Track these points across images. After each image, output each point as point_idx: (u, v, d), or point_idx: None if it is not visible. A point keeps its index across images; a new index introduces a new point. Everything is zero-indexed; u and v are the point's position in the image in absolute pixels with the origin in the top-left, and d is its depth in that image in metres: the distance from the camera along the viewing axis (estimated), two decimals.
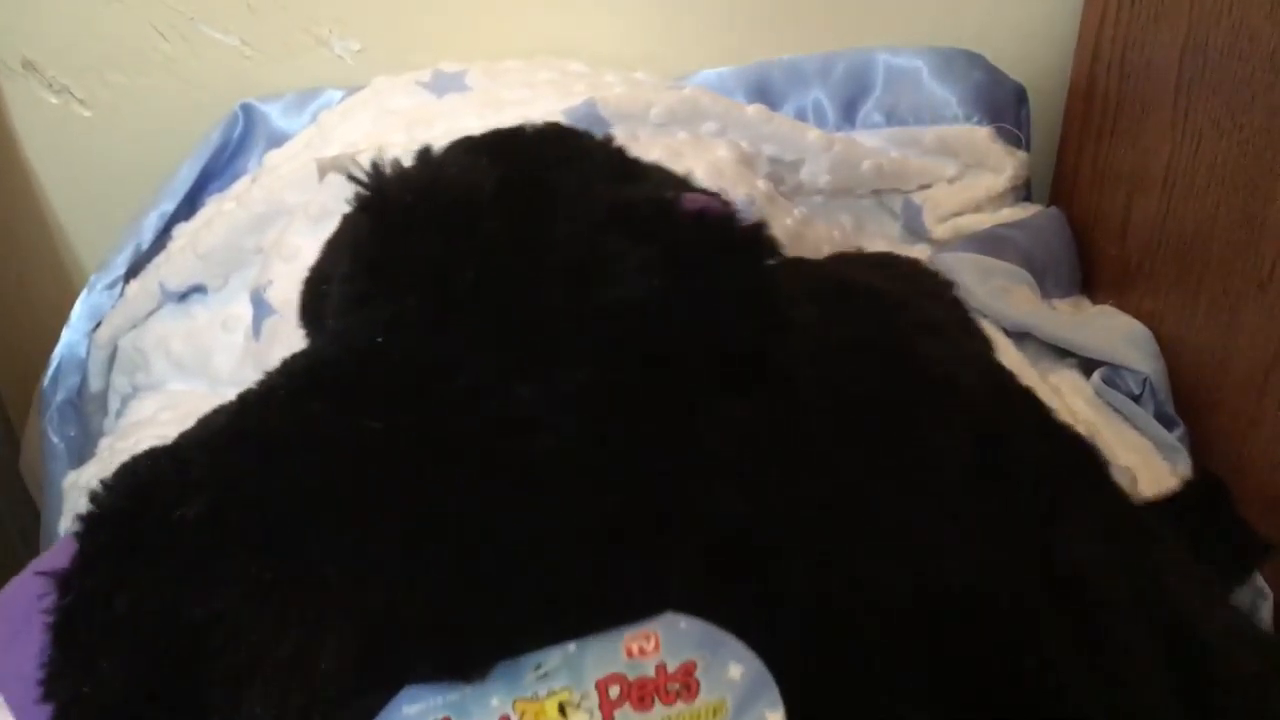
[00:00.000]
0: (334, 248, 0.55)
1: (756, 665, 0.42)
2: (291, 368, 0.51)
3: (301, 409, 0.47)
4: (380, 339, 0.48)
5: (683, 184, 0.58)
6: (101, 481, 0.47)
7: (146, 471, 0.47)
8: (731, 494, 0.45)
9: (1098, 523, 0.53)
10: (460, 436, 0.45)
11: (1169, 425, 0.84)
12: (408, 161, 0.54)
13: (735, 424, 0.47)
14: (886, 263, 0.72)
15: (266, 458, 0.45)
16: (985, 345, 0.69)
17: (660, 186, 0.56)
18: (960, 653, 0.45)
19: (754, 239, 0.53)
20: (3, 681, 0.46)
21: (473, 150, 0.56)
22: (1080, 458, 0.58)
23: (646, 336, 0.47)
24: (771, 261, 0.54)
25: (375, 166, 0.51)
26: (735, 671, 0.42)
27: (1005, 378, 0.62)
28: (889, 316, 0.60)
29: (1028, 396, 0.61)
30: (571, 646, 0.43)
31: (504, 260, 0.48)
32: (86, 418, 1.02)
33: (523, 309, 0.47)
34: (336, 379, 0.48)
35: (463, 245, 0.48)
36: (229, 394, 0.96)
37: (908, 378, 0.54)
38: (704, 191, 0.61)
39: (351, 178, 0.51)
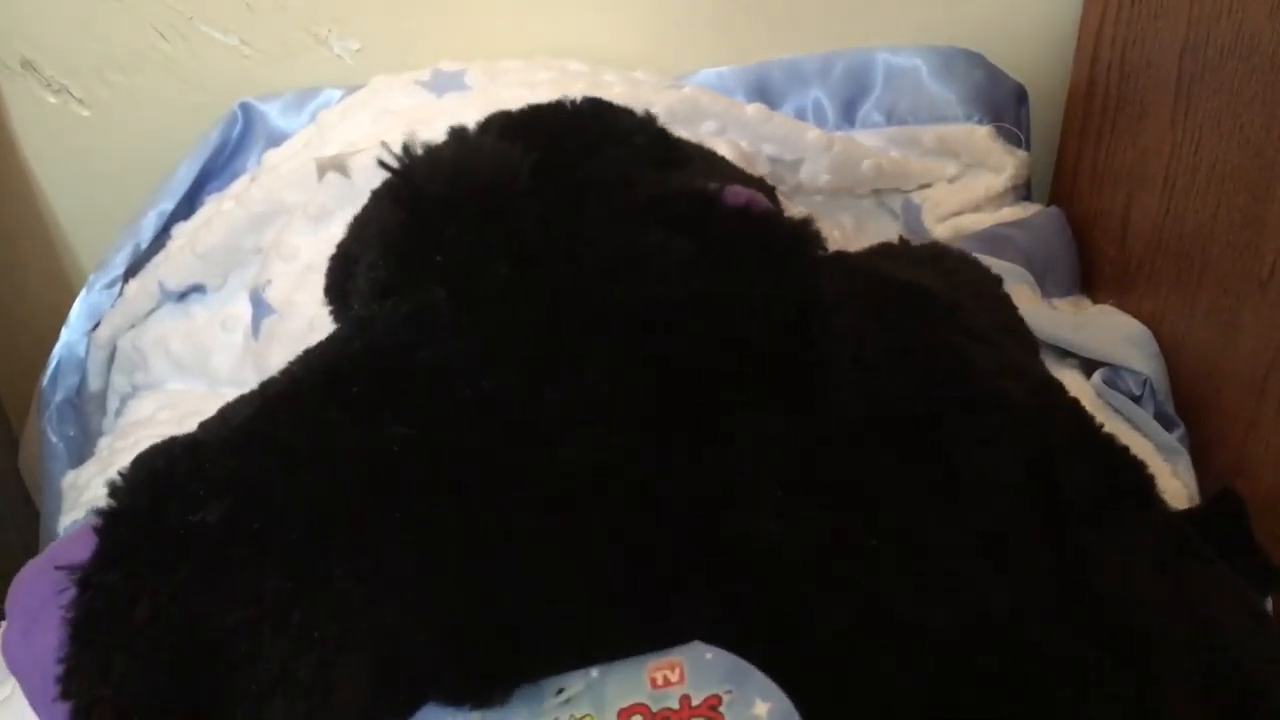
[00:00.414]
0: (361, 226, 0.53)
1: (784, 703, 0.40)
2: (313, 362, 0.49)
3: (322, 414, 0.45)
4: (405, 336, 0.46)
5: (730, 170, 0.55)
6: (120, 473, 0.46)
7: (165, 468, 0.46)
8: (764, 518, 0.43)
9: (1148, 552, 0.50)
10: (483, 446, 0.43)
11: (1169, 426, 0.84)
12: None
13: (770, 441, 0.45)
14: (936, 256, 0.68)
15: (286, 465, 0.44)
16: (1033, 351, 0.66)
17: (703, 175, 0.53)
18: (997, 699, 0.42)
19: (799, 236, 0.51)
20: (22, 672, 0.46)
21: (509, 130, 0.53)
22: (1130, 477, 0.55)
23: (681, 341, 0.46)
24: (817, 258, 0.51)
25: (407, 149, 0.49)
26: (762, 708, 0.40)
27: (1054, 390, 0.59)
28: (937, 321, 0.57)
29: (1076, 410, 0.58)
30: (594, 672, 0.41)
31: (536, 254, 0.46)
32: (85, 417, 1.02)
33: (553, 308, 0.45)
34: (358, 380, 0.46)
35: (494, 238, 0.46)
36: (228, 394, 0.96)
37: (955, 391, 0.51)
38: (752, 180, 0.58)
39: (382, 163, 0.49)
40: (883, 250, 0.67)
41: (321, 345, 0.50)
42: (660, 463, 0.43)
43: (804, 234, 0.51)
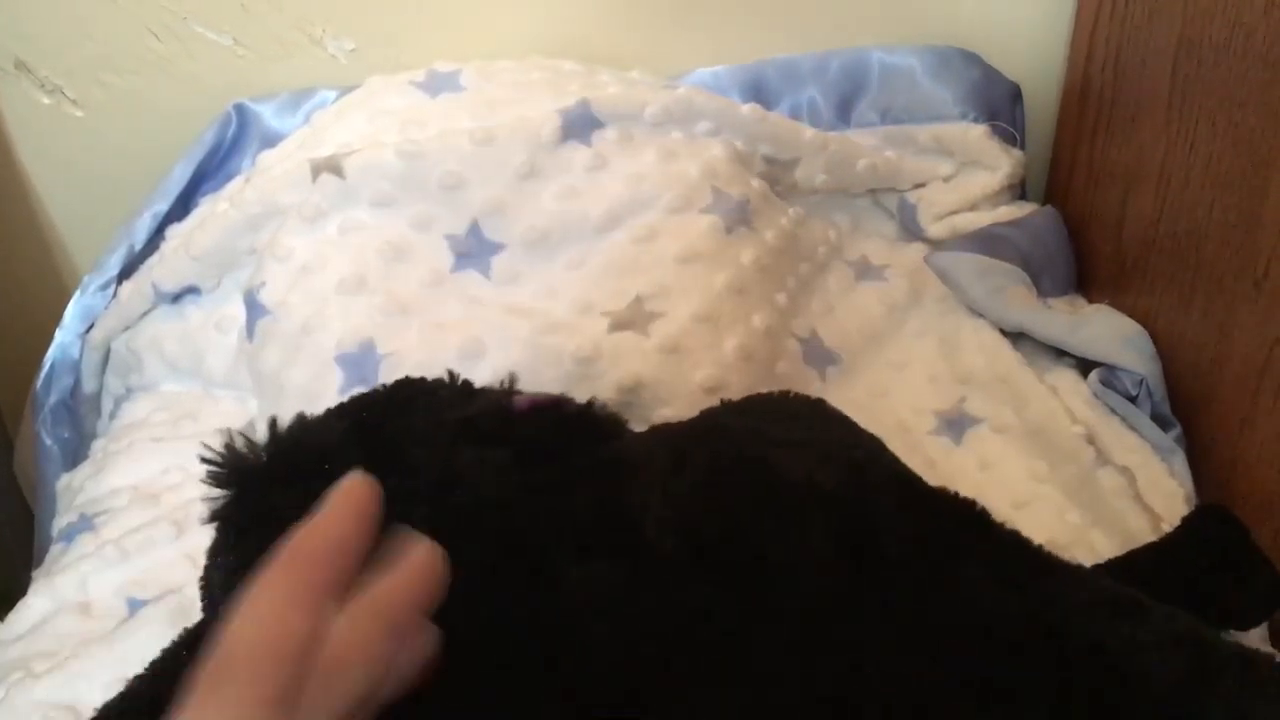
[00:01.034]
0: (213, 541, 0.57)
1: None
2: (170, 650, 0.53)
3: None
4: None
5: (511, 390, 0.62)
6: None
7: None
8: (601, 656, 0.47)
9: (988, 572, 0.54)
10: None
11: (1165, 426, 0.84)
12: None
13: (593, 585, 0.49)
14: (744, 408, 0.74)
15: None
16: (847, 430, 0.70)
17: (498, 396, 0.59)
18: None
19: (586, 418, 0.57)
20: None
21: (325, 414, 0.58)
22: (959, 516, 0.59)
23: (508, 527, 0.51)
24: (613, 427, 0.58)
25: (227, 445, 0.54)
26: None
27: (872, 462, 0.64)
28: (740, 442, 0.62)
29: (899, 476, 0.63)
30: None
31: None
32: (80, 419, 1.02)
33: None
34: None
35: (321, 493, 0.49)
36: (222, 395, 0.97)
37: (761, 496, 0.56)
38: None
39: (204, 460, 0.53)
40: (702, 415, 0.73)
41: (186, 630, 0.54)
42: (500, 627, 0.48)
43: (590, 415, 0.58)
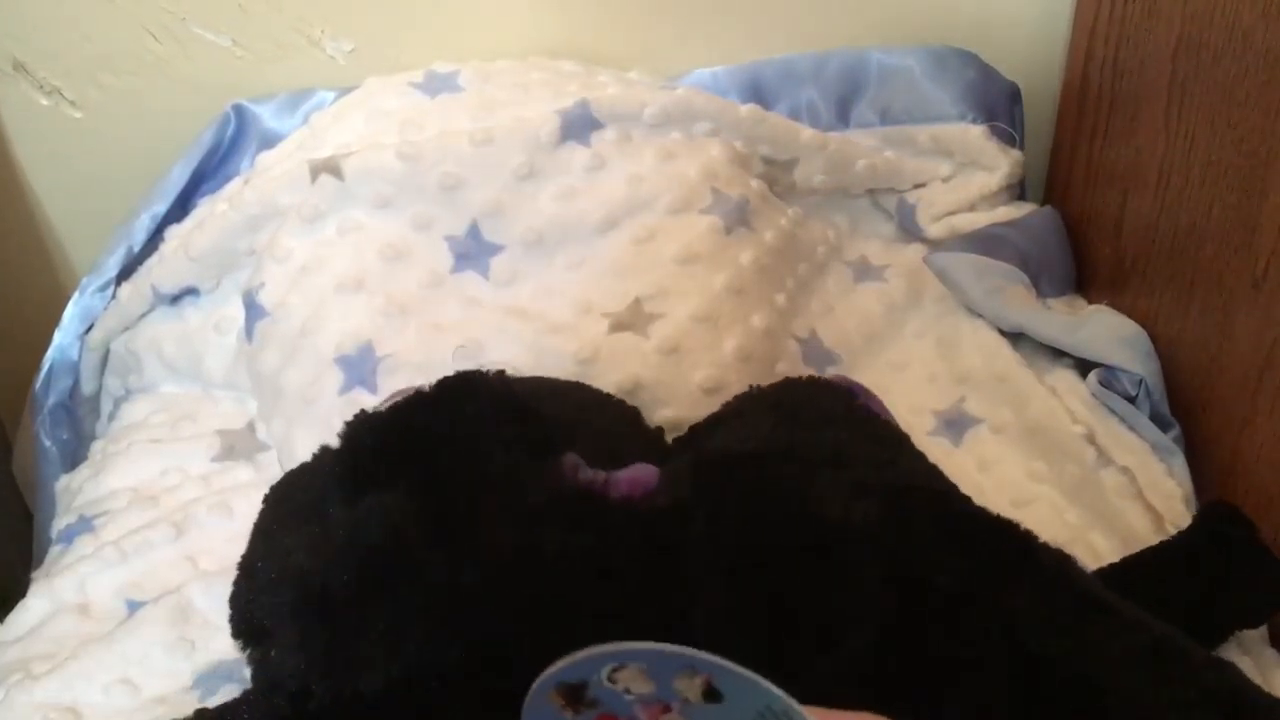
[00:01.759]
0: (251, 555, 0.57)
1: None
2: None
3: None
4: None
5: (592, 402, 0.61)
6: None
7: None
8: None
9: (1034, 609, 0.53)
10: None
11: (1164, 426, 0.84)
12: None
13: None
14: (777, 402, 0.73)
15: None
16: (894, 446, 0.70)
17: (577, 441, 0.58)
18: None
19: (672, 515, 0.56)
20: None
21: (384, 470, 0.56)
22: (1004, 541, 0.58)
23: (590, 603, 0.51)
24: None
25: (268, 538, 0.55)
26: None
27: (912, 490, 0.62)
28: (775, 481, 0.61)
29: (937, 501, 0.62)
30: None
31: (446, 600, 0.51)
32: (79, 421, 1.02)
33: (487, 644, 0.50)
34: None
35: (406, 601, 0.50)
36: (221, 396, 0.97)
37: (808, 543, 0.55)
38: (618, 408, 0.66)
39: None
40: (730, 410, 0.73)
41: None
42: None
43: (677, 510, 0.56)
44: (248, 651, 0.55)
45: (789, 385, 0.77)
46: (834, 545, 0.55)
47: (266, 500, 0.61)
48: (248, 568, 0.57)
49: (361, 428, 0.58)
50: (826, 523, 0.56)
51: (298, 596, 0.53)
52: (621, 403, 0.75)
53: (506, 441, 0.56)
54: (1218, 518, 0.70)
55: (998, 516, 0.59)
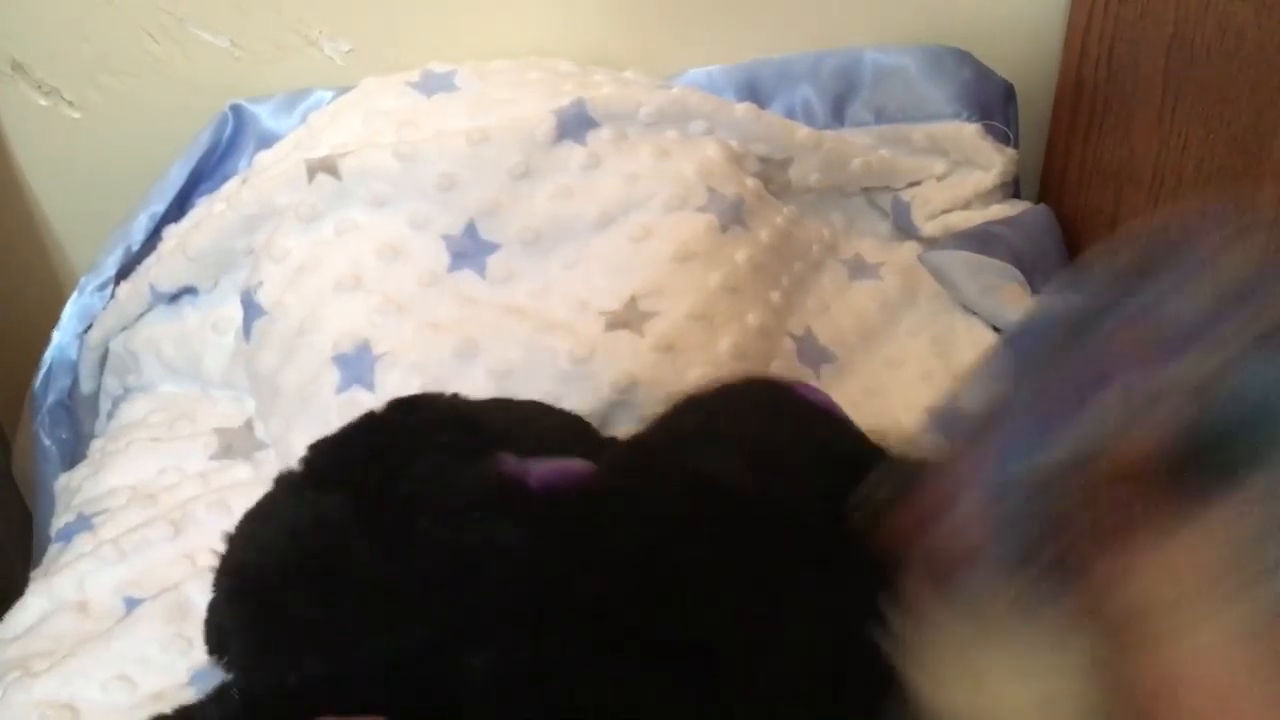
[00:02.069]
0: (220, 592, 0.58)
1: None
2: None
3: None
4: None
5: (535, 414, 0.63)
6: None
7: None
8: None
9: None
10: None
11: None
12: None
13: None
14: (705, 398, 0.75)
15: None
16: (829, 427, 0.71)
17: (513, 466, 0.59)
18: None
19: (599, 490, 0.57)
20: None
21: (325, 476, 0.57)
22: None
23: (526, 602, 0.51)
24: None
25: (228, 542, 0.56)
26: None
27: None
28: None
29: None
30: None
31: (379, 585, 0.51)
32: (78, 420, 1.02)
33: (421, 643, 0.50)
34: None
35: (336, 588, 0.51)
36: (219, 396, 0.97)
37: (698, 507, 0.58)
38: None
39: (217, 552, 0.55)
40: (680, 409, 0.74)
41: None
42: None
43: (604, 486, 0.58)
44: (215, 659, 0.56)
45: (722, 384, 0.78)
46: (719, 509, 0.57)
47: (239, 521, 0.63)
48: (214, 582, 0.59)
49: (317, 446, 0.60)
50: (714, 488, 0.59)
51: (234, 585, 0.54)
52: (576, 417, 0.76)
53: (441, 446, 0.58)
54: None
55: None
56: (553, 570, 0.52)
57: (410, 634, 0.51)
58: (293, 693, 0.50)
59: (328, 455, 0.59)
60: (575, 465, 0.59)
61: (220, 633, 0.55)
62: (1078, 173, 1.05)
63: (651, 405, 0.83)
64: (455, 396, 0.65)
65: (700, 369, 0.84)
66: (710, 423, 0.69)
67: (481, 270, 0.90)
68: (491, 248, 0.90)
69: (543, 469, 0.57)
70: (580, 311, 0.87)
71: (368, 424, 0.60)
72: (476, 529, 0.53)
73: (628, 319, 0.86)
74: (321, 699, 0.49)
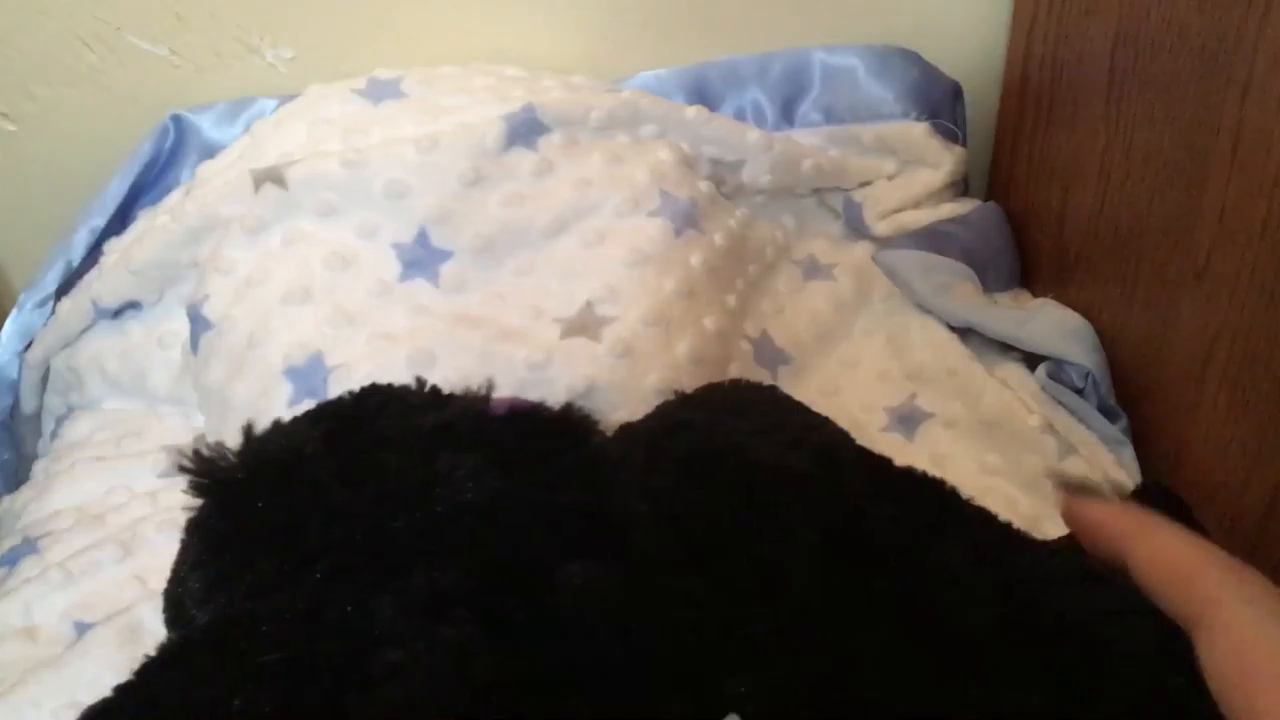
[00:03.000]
0: (182, 551, 0.56)
1: None
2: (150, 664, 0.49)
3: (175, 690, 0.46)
4: (239, 608, 0.49)
5: (486, 395, 0.62)
6: None
7: None
8: (599, 654, 0.47)
9: (962, 550, 0.54)
10: (329, 687, 0.45)
11: (1112, 418, 0.85)
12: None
13: (585, 585, 0.49)
14: (702, 401, 0.75)
15: None
16: (805, 414, 0.72)
17: (472, 401, 0.59)
18: None
19: (563, 421, 0.57)
20: None
21: (295, 421, 0.58)
22: (931, 493, 0.60)
23: (494, 534, 0.50)
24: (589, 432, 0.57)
25: (196, 452, 0.53)
26: None
27: (833, 446, 0.65)
28: (710, 435, 0.64)
29: (865, 460, 0.64)
30: None
31: (344, 502, 0.50)
32: (20, 440, 1.00)
33: (370, 537, 0.49)
34: (194, 662, 0.47)
35: (300, 499, 0.49)
36: (166, 412, 0.95)
37: (741, 485, 0.57)
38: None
39: (182, 468, 0.53)
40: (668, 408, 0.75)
41: (161, 646, 0.51)
42: (491, 644, 0.47)
43: (570, 418, 0.57)
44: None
45: (710, 387, 0.79)
46: (769, 487, 0.56)
47: None
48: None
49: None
50: (761, 468, 0.58)
51: (193, 517, 0.54)
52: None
53: (407, 399, 0.58)
54: (1151, 500, 0.71)
55: (924, 472, 0.62)
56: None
57: (376, 547, 0.49)
58: (254, 617, 0.48)
59: (319, 409, 0.59)
60: (528, 401, 0.59)
61: (180, 608, 0.54)
62: (1025, 169, 1.06)
63: (610, 411, 0.82)
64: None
65: (658, 374, 0.83)
66: (719, 409, 0.70)
67: (434, 279, 0.89)
68: (444, 255, 0.89)
69: (501, 401, 0.57)
70: (535, 318, 0.86)
71: (341, 398, 0.61)
72: (444, 454, 0.52)
73: (584, 325, 0.85)
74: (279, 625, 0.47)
